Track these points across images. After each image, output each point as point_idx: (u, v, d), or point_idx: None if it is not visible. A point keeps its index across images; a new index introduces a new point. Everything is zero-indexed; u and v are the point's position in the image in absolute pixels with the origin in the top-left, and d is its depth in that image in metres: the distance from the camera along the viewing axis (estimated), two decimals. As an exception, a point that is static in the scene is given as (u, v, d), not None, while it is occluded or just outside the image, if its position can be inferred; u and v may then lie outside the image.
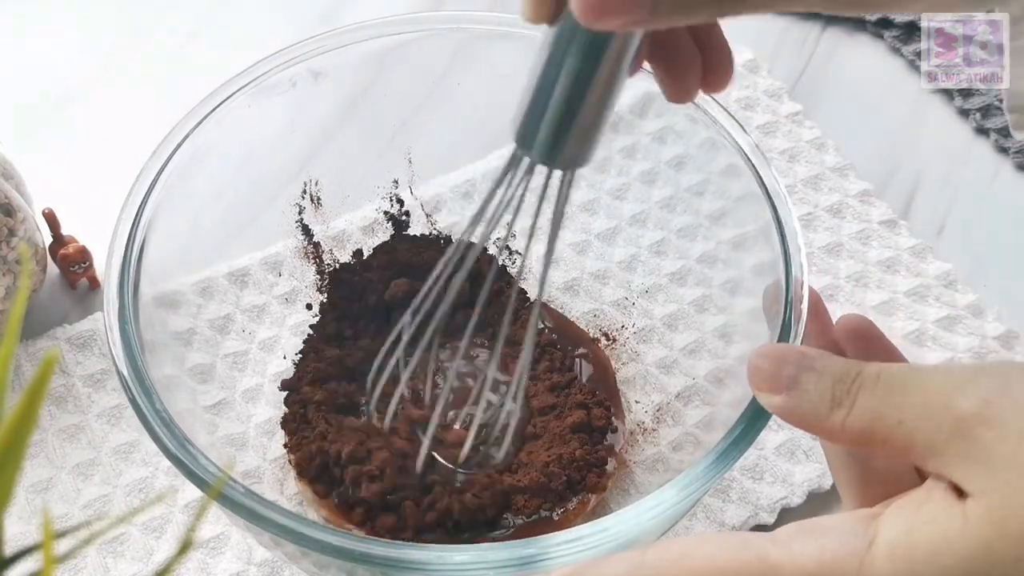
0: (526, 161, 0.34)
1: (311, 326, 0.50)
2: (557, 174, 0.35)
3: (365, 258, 0.51)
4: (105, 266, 0.38)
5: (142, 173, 0.41)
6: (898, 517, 0.28)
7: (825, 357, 0.30)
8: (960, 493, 0.27)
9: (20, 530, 0.44)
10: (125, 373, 0.36)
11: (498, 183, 0.35)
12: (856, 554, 0.27)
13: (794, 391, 0.30)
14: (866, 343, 0.34)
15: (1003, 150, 0.60)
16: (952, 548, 0.26)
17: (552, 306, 0.52)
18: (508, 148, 0.58)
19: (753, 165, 0.42)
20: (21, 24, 0.65)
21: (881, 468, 0.32)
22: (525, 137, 0.33)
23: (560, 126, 0.32)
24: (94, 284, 0.53)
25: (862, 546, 0.27)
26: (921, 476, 0.32)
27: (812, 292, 0.38)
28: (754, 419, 0.35)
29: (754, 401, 0.35)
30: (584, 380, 0.49)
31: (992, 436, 0.26)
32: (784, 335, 0.36)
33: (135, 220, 0.40)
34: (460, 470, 0.44)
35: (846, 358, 0.30)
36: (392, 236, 0.52)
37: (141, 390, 0.36)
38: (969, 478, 0.26)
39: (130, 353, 0.36)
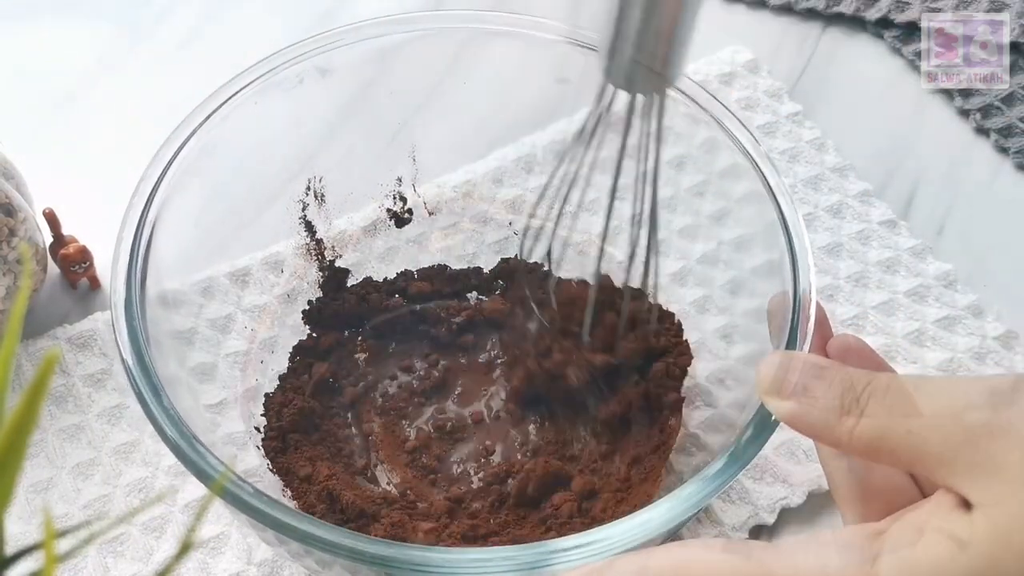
0: (612, 92, 0.36)
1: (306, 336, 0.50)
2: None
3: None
4: (111, 262, 0.38)
5: (150, 167, 0.41)
6: (904, 532, 0.27)
7: (835, 366, 0.30)
8: (967, 506, 0.26)
9: (20, 530, 0.44)
10: (131, 367, 0.36)
11: (591, 122, 0.37)
12: (860, 571, 0.27)
13: (803, 398, 0.30)
14: (857, 361, 0.34)
15: (1003, 150, 0.60)
16: (956, 564, 0.26)
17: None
18: (510, 147, 0.58)
19: (757, 165, 0.42)
20: (22, 23, 0.65)
21: (880, 482, 0.32)
22: (610, 65, 0.35)
23: (641, 41, 0.33)
24: (95, 284, 0.53)
25: (866, 562, 0.27)
26: (921, 489, 0.32)
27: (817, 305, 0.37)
28: (752, 438, 0.35)
29: (753, 421, 0.35)
30: None
31: (1001, 447, 0.26)
32: (791, 346, 0.36)
33: (142, 214, 0.40)
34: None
35: (856, 368, 0.30)
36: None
37: (148, 386, 0.35)
38: (976, 489, 0.26)
39: (137, 349, 0.36)
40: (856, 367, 0.34)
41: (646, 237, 0.41)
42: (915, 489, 0.32)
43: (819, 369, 0.30)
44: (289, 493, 0.44)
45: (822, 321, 0.37)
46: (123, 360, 0.36)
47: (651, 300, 0.46)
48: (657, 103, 0.36)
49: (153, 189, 0.40)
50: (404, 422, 0.48)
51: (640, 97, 0.36)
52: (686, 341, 0.48)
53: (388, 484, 0.45)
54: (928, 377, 0.30)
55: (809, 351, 0.36)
